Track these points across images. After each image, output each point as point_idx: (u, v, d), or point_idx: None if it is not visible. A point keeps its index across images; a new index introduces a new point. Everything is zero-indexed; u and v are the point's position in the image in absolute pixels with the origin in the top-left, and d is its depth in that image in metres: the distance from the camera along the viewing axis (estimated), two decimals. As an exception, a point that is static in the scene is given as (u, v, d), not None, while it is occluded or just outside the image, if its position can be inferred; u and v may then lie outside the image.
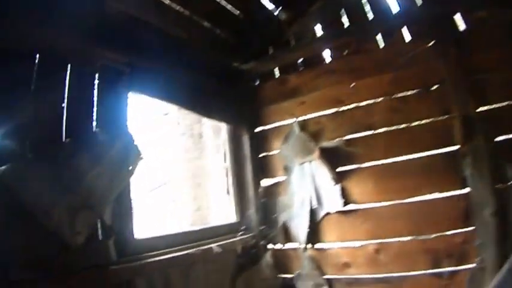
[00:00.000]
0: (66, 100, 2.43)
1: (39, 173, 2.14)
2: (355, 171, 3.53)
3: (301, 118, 3.84)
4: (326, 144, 3.64)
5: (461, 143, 3.05)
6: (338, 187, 3.52)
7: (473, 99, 3.04)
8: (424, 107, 3.27)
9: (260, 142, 4.12)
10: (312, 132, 3.75)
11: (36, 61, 2.31)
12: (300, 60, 4.01)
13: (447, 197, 3.13)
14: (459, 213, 3.04)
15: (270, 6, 3.96)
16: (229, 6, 3.69)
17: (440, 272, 3.08)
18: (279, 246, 3.87)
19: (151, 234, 3.04)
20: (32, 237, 2.05)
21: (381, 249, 3.35)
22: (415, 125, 3.30)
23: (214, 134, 4.83)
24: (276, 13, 4.00)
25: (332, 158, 3.59)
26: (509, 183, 2.85)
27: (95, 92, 2.62)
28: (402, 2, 3.50)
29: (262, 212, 3.96)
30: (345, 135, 3.58)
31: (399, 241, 3.29)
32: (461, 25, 3.20)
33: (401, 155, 3.34)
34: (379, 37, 3.54)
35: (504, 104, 2.95)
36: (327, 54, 3.89)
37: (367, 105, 3.53)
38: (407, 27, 3.40)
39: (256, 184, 4.04)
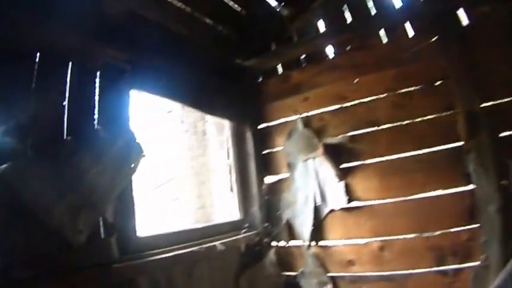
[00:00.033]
0: (67, 98, 2.41)
1: (40, 171, 2.13)
2: (359, 168, 3.51)
3: (304, 114, 3.82)
4: (330, 140, 3.62)
5: (465, 139, 3.03)
6: (342, 184, 3.50)
7: (477, 95, 3.01)
8: (428, 103, 3.24)
9: (263, 139, 4.10)
10: (316, 128, 3.73)
11: (37, 59, 2.29)
12: (303, 56, 3.99)
13: (451, 194, 3.11)
14: (464, 210, 3.02)
15: (273, 2, 3.95)
16: (231, 3, 3.69)
17: (445, 270, 3.06)
18: (282, 243, 3.86)
19: (154, 232, 3.03)
20: (34, 236, 2.04)
21: (385, 246, 3.33)
22: (418, 121, 3.27)
23: (218, 131, 4.82)
24: (278, 9, 3.98)
25: (336, 154, 3.57)
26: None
27: (96, 89, 2.60)
28: (405, -3, 3.48)
29: (266, 210, 3.95)
30: (348, 132, 3.57)
31: (403, 238, 3.27)
32: (465, 20, 3.17)
33: (405, 152, 3.32)
34: (382, 33, 3.52)
35: (508, 99, 2.91)
36: (329, 50, 3.87)
37: (371, 101, 3.51)
38: (410, 22, 3.37)
39: (260, 181, 4.02)
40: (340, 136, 3.58)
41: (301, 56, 4.00)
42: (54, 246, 2.11)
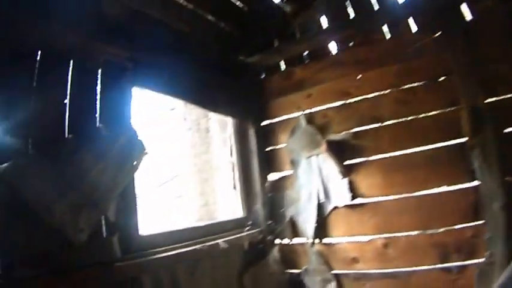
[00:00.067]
0: (68, 96, 2.41)
1: (41, 170, 2.13)
2: (363, 165, 3.49)
3: (307, 111, 3.80)
4: (333, 137, 3.60)
5: (470, 135, 3.00)
6: (345, 181, 3.48)
7: (481, 90, 2.99)
8: (432, 99, 3.22)
9: (266, 136, 4.09)
10: (319, 125, 3.71)
11: (38, 58, 2.29)
12: (306, 52, 3.98)
13: (456, 190, 3.09)
14: (468, 207, 3.00)
15: (275, -2, 3.93)
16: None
17: (449, 267, 3.04)
18: (286, 241, 3.84)
19: (157, 231, 3.03)
20: (35, 235, 2.04)
21: (389, 243, 3.31)
22: (422, 117, 3.25)
23: (221, 128, 4.80)
24: (280, 5, 3.97)
25: (339, 151, 3.56)
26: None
27: (98, 87, 2.60)
28: (408, -9, 3.45)
29: (269, 207, 3.94)
30: (351, 128, 3.54)
31: (407, 235, 3.25)
32: (468, 15, 3.14)
33: (409, 148, 3.29)
34: (385, 28, 3.50)
35: (513, 95, 2.90)
36: (332, 46, 3.86)
37: (374, 97, 3.49)
38: (414, 17, 3.35)
39: (263, 178, 4.01)
40: (344, 133, 3.56)
41: (304, 52, 3.98)
42: (56, 245, 2.11)
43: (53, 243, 2.09)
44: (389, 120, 3.39)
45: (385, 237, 3.33)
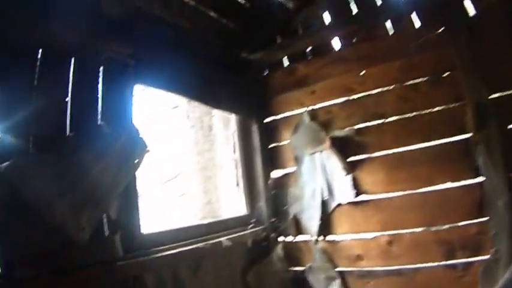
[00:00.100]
0: (70, 94, 2.39)
1: (42, 168, 2.11)
2: (367, 161, 3.48)
3: (311, 107, 3.79)
4: (337, 133, 3.58)
5: (474, 130, 2.98)
6: (349, 177, 3.47)
7: (485, 86, 2.96)
8: (435, 95, 3.20)
9: (270, 132, 4.07)
10: (323, 121, 3.70)
11: (39, 56, 2.27)
12: (309, 49, 3.95)
13: (460, 187, 3.07)
14: (472, 203, 2.98)
15: (277, -6, 3.91)
16: (235, -4, 3.66)
17: (454, 264, 3.02)
18: (290, 238, 3.84)
19: (159, 229, 3.02)
20: (36, 234, 2.02)
21: (393, 240, 3.30)
22: (426, 113, 3.24)
23: (224, 125, 4.79)
24: (283, 1, 3.94)
25: (343, 147, 3.54)
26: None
27: (99, 85, 2.58)
28: (411, -13, 3.43)
29: (273, 204, 3.93)
30: (355, 124, 3.53)
31: (412, 232, 3.24)
32: (471, 11, 3.11)
33: (413, 144, 3.28)
34: (388, 24, 3.47)
35: (517, 90, 2.88)
36: (335, 42, 3.83)
37: (378, 93, 3.47)
38: (417, 13, 3.33)
39: (266, 175, 4.00)
40: (347, 129, 3.54)
41: (306, 48, 3.96)
42: (57, 244, 2.09)
43: (53, 243, 2.08)
44: (393, 116, 3.38)
45: (390, 234, 3.32)
